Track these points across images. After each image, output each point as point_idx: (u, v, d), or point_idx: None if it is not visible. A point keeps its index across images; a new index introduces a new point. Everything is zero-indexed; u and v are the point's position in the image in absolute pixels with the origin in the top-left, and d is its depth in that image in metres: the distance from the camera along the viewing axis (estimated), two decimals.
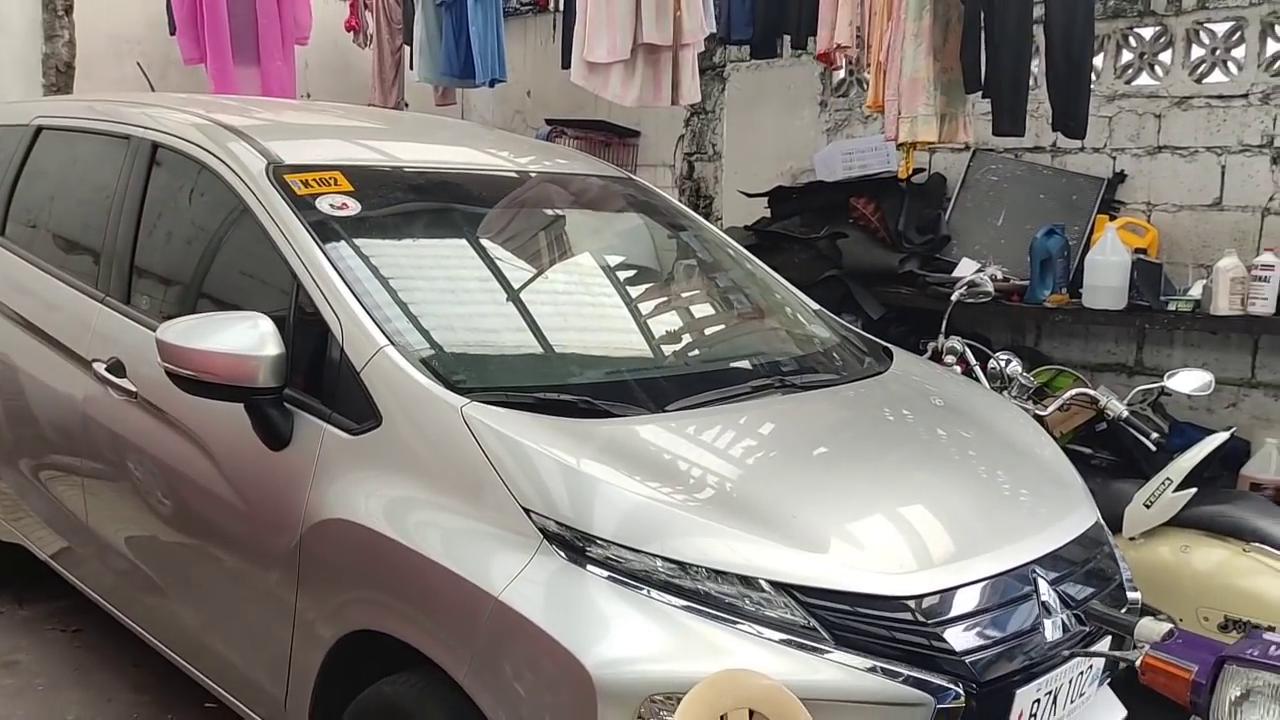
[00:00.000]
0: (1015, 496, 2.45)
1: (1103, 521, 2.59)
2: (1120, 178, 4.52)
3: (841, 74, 5.32)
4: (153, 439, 2.73)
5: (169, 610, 2.86)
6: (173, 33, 5.34)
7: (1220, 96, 4.27)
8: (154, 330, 2.44)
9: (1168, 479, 3.33)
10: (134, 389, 2.78)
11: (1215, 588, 3.20)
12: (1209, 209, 4.33)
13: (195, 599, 2.74)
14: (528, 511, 2.01)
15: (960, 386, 3.09)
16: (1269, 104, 4.14)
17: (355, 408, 2.28)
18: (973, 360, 3.81)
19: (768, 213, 5.28)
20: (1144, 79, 4.47)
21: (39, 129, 3.59)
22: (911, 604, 1.99)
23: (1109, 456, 4.26)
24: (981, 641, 2.03)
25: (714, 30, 4.82)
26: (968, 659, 1.99)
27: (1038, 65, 4.26)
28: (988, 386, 3.71)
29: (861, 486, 2.31)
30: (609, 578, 1.94)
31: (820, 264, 4.78)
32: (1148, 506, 3.36)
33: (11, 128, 3.73)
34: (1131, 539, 3.42)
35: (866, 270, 4.70)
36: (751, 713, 1.77)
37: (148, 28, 5.55)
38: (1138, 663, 1.55)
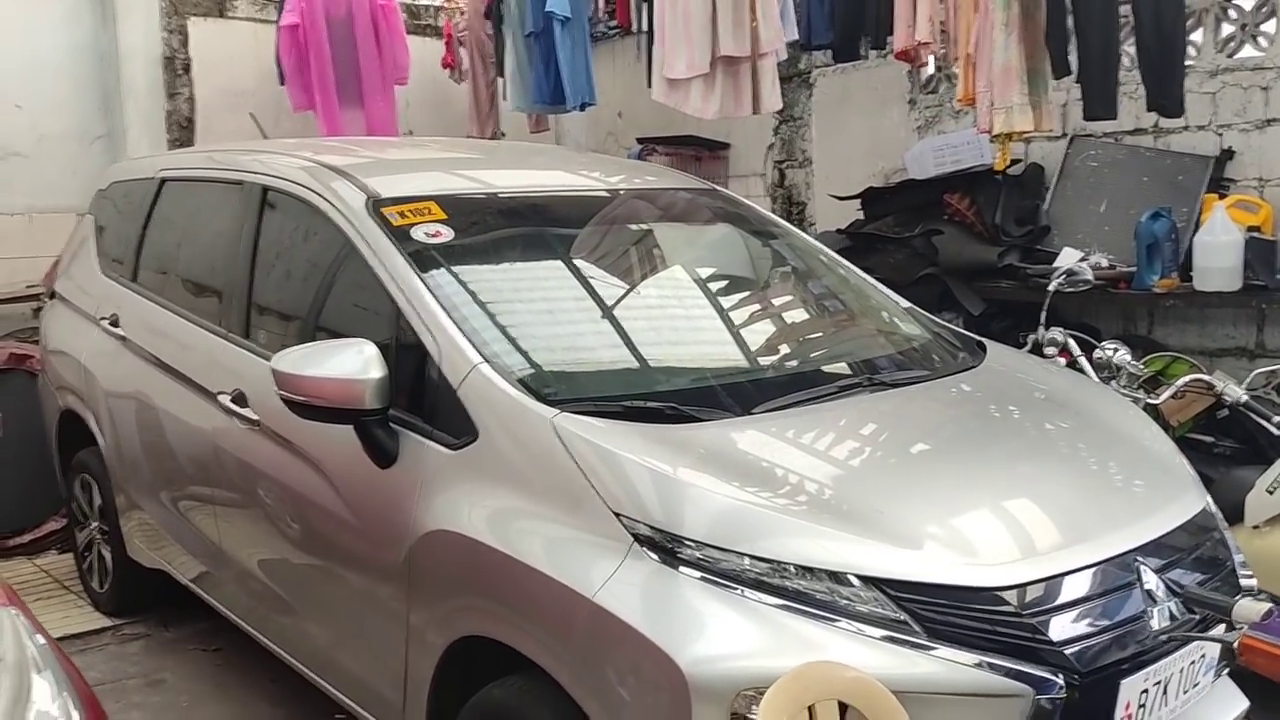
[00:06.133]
0: (1115, 485, 2.40)
1: (1213, 508, 2.51)
2: (1228, 155, 4.35)
3: (930, 70, 5.27)
4: (275, 464, 2.90)
5: (298, 626, 3.02)
6: (282, 83, 5.65)
7: None
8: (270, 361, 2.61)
9: None
10: (256, 418, 2.96)
11: None
12: None
13: (321, 614, 2.89)
14: (619, 516, 2.07)
15: (1058, 376, 3.04)
16: None
17: (454, 424, 2.39)
18: (1076, 351, 3.74)
19: (860, 215, 5.25)
20: (1247, 51, 4.31)
21: (162, 181, 3.87)
22: (1006, 595, 1.98)
23: (1232, 444, 4.10)
24: (1082, 631, 2.00)
25: (795, 37, 4.84)
26: (1067, 649, 1.97)
27: (1130, 45, 4.15)
28: (1093, 377, 3.63)
29: (952, 479, 2.29)
30: (700, 578, 1.99)
31: (916, 262, 4.74)
32: (1270, 493, 3.23)
33: (138, 181, 4.03)
34: (1255, 527, 3.29)
35: (964, 266, 4.64)
36: (845, 709, 1.78)
37: (259, 80, 5.88)
38: (1236, 644, 1.51)
